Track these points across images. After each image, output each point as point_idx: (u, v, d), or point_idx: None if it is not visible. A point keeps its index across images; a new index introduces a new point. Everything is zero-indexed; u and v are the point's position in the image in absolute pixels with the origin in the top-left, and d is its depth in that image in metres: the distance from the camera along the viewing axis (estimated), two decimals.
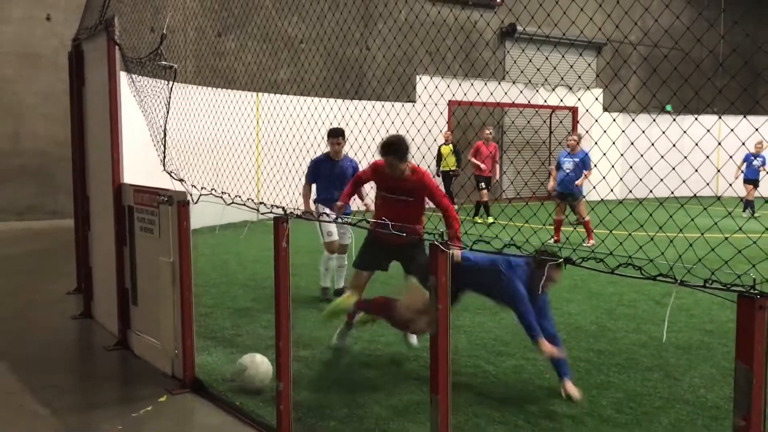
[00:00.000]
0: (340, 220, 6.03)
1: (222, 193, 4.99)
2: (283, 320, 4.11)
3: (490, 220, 13.98)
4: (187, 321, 5.08)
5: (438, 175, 16.89)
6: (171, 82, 5.80)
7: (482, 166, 15.22)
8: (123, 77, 6.22)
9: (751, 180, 16.51)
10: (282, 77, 16.17)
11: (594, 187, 4.14)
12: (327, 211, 7.44)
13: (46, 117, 14.80)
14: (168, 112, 5.88)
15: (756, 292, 2.32)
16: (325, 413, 4.47)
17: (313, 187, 7.85)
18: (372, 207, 7.63)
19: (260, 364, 4.88)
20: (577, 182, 11.75)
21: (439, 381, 3.29)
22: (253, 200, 4.60)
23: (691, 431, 4.27)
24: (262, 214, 4.48)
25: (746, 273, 2.45)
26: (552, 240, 11.51)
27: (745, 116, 3.07)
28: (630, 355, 5.64)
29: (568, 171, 11.85)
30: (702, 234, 3.05)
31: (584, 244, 11.22)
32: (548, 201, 13.37)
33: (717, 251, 2.93)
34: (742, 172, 16.50)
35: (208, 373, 5.21)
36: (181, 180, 5.66)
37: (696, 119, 3.25)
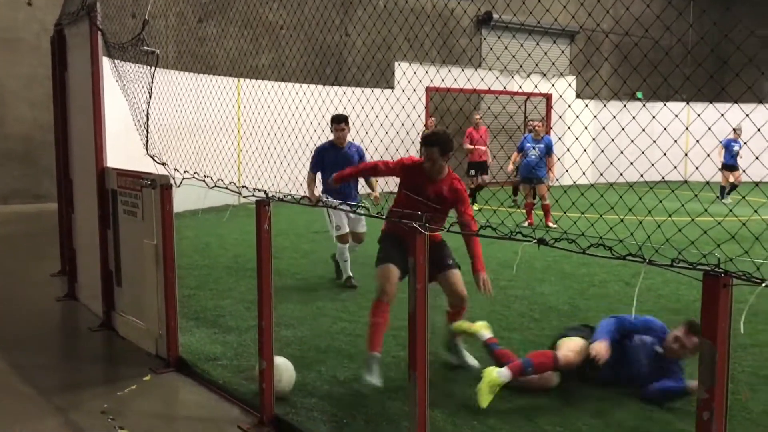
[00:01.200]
0: (350, 209, 5.73)
1: (204, 176, 5.09)
2: (266, 301, 4.23)
3: (476, 207, 14.15)
4: (170, 302, 5.19)
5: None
6: (153, 68, 5.87)
7: (480, 148, 15.32)
8: (105, 62, 6.26)
9: (731, 165, 16.76)
10: (262, 63, 16.18)
11: (567, 171, 4.28)
12: (339, 213, 7.43)
13: (29, 101, 14.72)
14: (150, 97, 5.95)
15: (720, 270, 2.42)
16: (307, 391, 4.61)
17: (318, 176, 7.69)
18: (380, 201, 7.73)
19: (284, 370, 4.50)
20: (551, 175, 12.33)
21: (417, 358, 3.42)
22: (234, 184, 4.70)
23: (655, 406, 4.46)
24: (244, 197, 4.59)
25: (711, 253, 2.58)
26: (525, 223, 11.80)
27: (711, 102, 3.22)
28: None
29: (533, 156, 12.40)
30: (669, 216, 3.21)
31: (550, 225, 11.62)
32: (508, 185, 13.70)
33: (684, 232, 3.09)
34: (729, 158, 16.70)
35: (192, 352, 5.33)
36: (163, 164, 5.74)
37: (665, 105, 3.39)
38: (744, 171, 16.61)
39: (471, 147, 15.36)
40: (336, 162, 7.49)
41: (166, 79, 6.29)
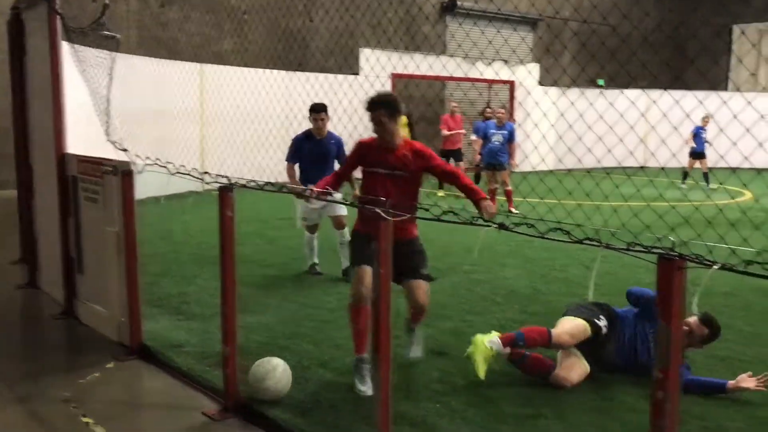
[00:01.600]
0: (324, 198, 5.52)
1: (166, 163, 5.05)
2: (229, 287, 4.23)
3: (441, 194, 14.13)
4: (133, 289, 5.16)
5: None
6: (113, 53, 5.80)
7: (456, 131, 15.33)
8: (65, 47, 6.17)
9: (699, 153, 16.86)
10: (226, 48, 16.02)
11: (527, 157, 4.33)
12: (308, 206, 7.06)
13: None
14: (111, 83, 5.88)
15: (675, 254, 2.47)
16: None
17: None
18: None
19: (283, 373, 4.30)
20: (512, 161, 12.60)
21: (380, 340, 3.45)
22: (197, 170, 4.68)
23: (618, 387, 4.57)
24: (206, 183, 4.57)
25: (666, 237, 2.65)
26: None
27: (666, 90, 3.28)
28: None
29: (497, 142, 12.60)
30: (626, 201, 3.29)
31: (513, 211, 11.77)
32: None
33: (640, 217, 3.16)
34: (693, 146, 16.91)
35: (156, 339, 5.30)
36: (124, 150, 5.68)
37: (621, 92, 3.46)
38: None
39: (448, 133, 15.36)
40: (312, 154, 7.24)
41: (128, 65, 6.22)
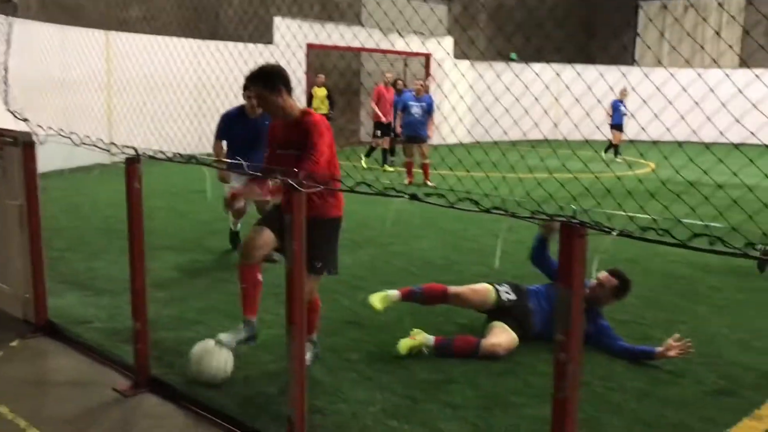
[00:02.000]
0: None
1: (70, 133, 4.87)
2: (138, 262, 4.14)
3: (365, 164, 13.91)
4: (37, 264, 4.99)
5: None
6: (10, 18, 5.53)
7: (379, 112, 15.07)
8: None
9: (618, 125, 17.25)
10: (133, 15, 15.47)
11: (437, 128, 4.39)
12: (235, 185, 6.20)
13: None
14: (9, 49, 5.61)
15: (576, 221, 2.59)
16: (185, 351, 4.57)
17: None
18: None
19: (228, 357, 4.17)
20: (429, 132, 12.50)
21: (294, 312, 3.46)
22: (102, 141, 4.53)
23: (526, 352, 4.73)
24: (113, 154, 4.44)
25: (568, 205, 2.74)
26: (406, 181, 11.99)
27: (570, 64, 3.38)
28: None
29: (416, 115, 12.53)
30: (531, 172, 3.39)
31: (429, 184, 11.86)
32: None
33: (544, 187, 3.26)
34: (610, 116, 17.32)
35: (63, 316, 5.16)
36: (25, 120, 5.44)
37: (527, 65, 3.55)
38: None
39: (374, 107, 15.11)
40: (245, 133, 6.50)
41: (27, 31, 5.94)
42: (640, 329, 5.19)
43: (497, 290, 4.92)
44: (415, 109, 12.55)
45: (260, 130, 6.11)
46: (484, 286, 4.95)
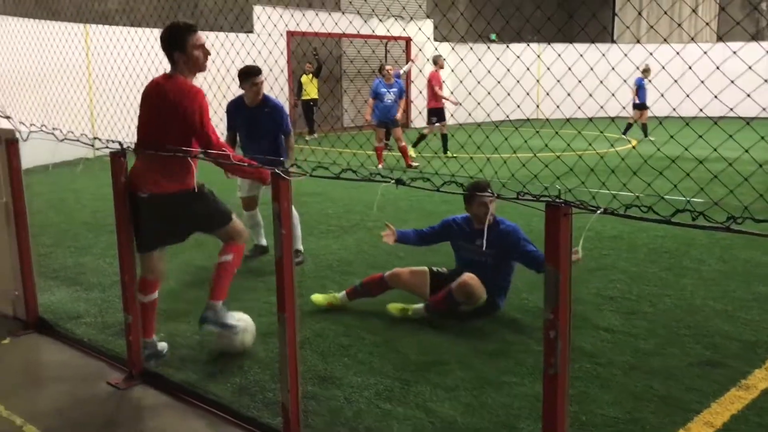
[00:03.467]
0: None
1: (53, 129, 4.86)
2: (126, 255, 4.15)
3: (450, 154, 13.34)
4: (25, 261, 4.98)
5: (296, 106, 17.22)
6: None
7: (446, 97, 14.15)
8: None
9: (643, 104, 17.01)
10: (110, 7, 15.33)
11: (417, 112, 4.40)
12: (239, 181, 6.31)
13: None
14: None
15: (561, 201, 2.62)
16: (177, 342, 4.60)
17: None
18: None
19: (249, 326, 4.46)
20: (397, 116, 12.68)
21: (285, 299, 3.48)
22: (86, 136, 4.53)
23: (515, 331, 4.79)
24: (97, 149, 4.43)
25: (552, 185, 2.77)
26: (379, 166, 12.07)
27: (549, 44, 3.42)
28: None
29: (389, 101, 12.71)
30: (514, 152, 3.42)
31: (413, 165, 11.92)
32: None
33: (528, 167, 3.30)
34: (636, 95, 16.91)
35: (53, 312, 5.17)
36: (7, 117, 5.41)
37: (507, 47, 3.57)
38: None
39: (439, 92, 14.11)
40: (248, 124, 6.32)
41: (4, 27, 5.90)
42: (627, 304, 5.26)
43: (432, 270, 5.22)
44: (389, 96, 12.70)
45: (260, 118, 6.22)
46: (422, 268, 5.23)
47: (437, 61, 14.04)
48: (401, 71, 15.09)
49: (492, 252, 4.96)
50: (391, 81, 12.83)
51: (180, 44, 3.99)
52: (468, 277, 4.89)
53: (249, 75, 6.09)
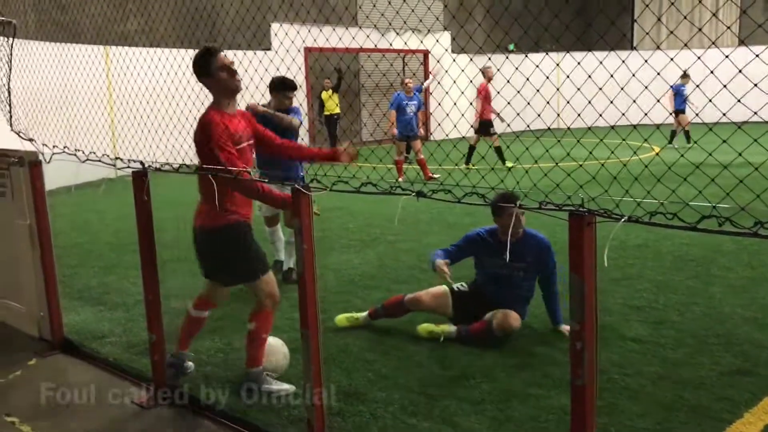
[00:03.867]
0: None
1: (75, 150, 4.90)
2: (149, 273, 4.17)
3: (510, 164, 12.96)
4: (50, 282, 5.02)
5: (321, 122, 17.39)
6: (11, 39, 5.55)
7: (494, 110, 13.64)
8: None
9: (682, 110, 16.61)
10: (130, 28, 15.52)
11: (440, 125, 4.40)
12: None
13: None
14: (10, 70, 5.64)
15: (584, 210, 2.58)
16: (202, 360, 4.60)
17: None
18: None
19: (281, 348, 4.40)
20: (422, 130, 12.76)
21: (308, 316, 3.47)
22: (108, 156, 4.56)
23: (540, 343, 4.74)
24: (119, 169, 4.46)
25: (575, 194, 2.74)
26: (399, 179, 12.02)
27: (568, 52, 3.39)
28: None
29: (411, 113, 12.71)
30: (536, 162, 3.39)
31: (434, 177, 11.82)
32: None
33: (550, 177, 3.26)
34: (680, 102, 16.54)
35: (78, 332, 5.20)
36: (30, 140, 5.48)
37: (526, 56, 3.55)
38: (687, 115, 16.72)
39: (491, 107, 13.72)
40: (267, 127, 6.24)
41: (27, 50, 5.98)
42: (655, 313, 5.19)
43: (452, 289, 5.09)
44: (411, 108, 12.71)
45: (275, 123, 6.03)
46: (439, 288, 5.10)
47: (486, 73, 13.49)
48: (423, 85, 15.02)
49: (523, 265, 4.87)
50: (411, 94, 12.84)
51: (205, 69, 3.91)
52: (509, 316, 4.72)
53: (285, 87, 6.23)
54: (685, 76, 16.08)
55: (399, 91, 13.06)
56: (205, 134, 3.81)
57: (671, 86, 16.42)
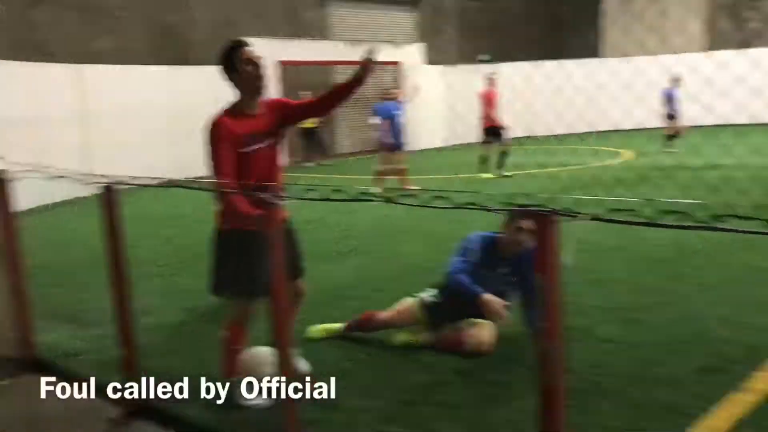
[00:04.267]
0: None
1: (46, 167, 4.87)
2: (121, 289, 4.14)
3: (509, 172, 12.33)
4: (21, 302, 4.97)
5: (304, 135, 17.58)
6: None
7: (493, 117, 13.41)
8: None
9: (672, 115, 16.23)
10: (103, 47, 15.46)
11: (419, 137, 4.41)
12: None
13: None
14: None
15: (547, 210, 2.61)
16: (172, 376, 4.55)
17: None
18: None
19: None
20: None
21: (278, 326, 3.45)
22: (79, 173, 4.54)
23: (515, 343, 4.76)
24: (90, 184, 4.44)
25: (535, 195, 2.78)
26: (417, 188, 12.00)
27: (538, 60, 3.41)
28: None
29: (401, 122, 12.56)
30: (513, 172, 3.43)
31: (411, 188, 11.78)
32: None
33: (528, 183, 3.30)
34: (667, 108, 16.26)
35: (52, 351, 5.14)
36: (0, 158, 5.44)
37: (495, 68, 3.57)
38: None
39: (492, 113, 13.39)
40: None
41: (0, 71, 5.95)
42: (628, 314, 5.23)
43: (423, 302, 4.95)
44: (398, 117, 12.52)
45: None
46: (405, 303, 5.01)
47: (490, 79, 13.34)
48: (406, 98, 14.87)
49: (517, 278, 4.73)
50: (400, 102, 12.74)
51: (230, 64, 3.79)
52: (484, 337, 4.62)
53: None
54: (676, 79, 16.00)
55: (386, 101, 12.77)
56: (205, 135, 3.79)
57: (663, 91, 16.27)
